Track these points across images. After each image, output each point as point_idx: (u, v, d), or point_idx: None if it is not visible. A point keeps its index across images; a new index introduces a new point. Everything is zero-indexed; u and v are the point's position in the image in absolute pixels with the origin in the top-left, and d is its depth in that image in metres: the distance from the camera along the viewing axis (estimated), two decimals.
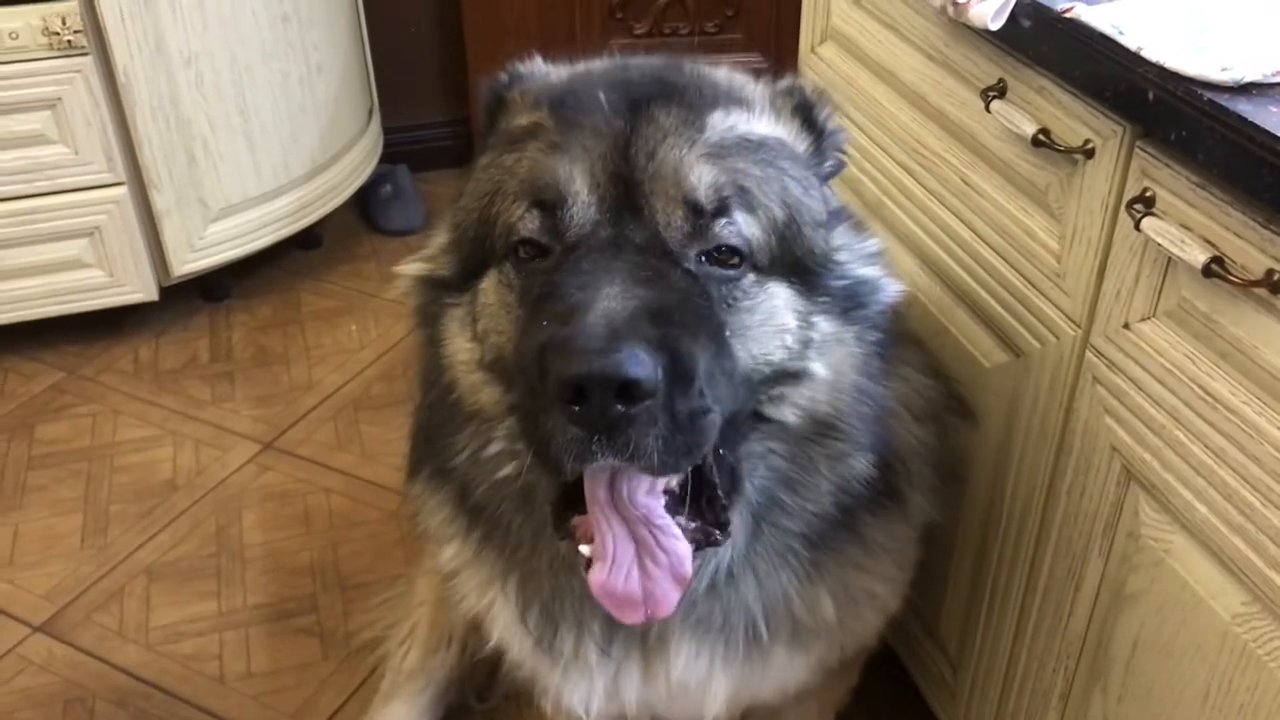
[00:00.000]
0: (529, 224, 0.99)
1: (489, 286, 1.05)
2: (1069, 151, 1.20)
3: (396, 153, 3.39)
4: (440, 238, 1.16)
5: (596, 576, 1.00)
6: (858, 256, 1.11)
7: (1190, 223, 1.05)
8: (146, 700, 1.95)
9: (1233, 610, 1.09)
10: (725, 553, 1.12)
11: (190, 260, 2.77)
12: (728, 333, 0.98)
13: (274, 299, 3.00)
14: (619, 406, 0.87)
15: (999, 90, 1.30)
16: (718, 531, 1.05)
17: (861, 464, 1.13)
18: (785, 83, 1.15)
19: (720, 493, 1.05)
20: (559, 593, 1.20)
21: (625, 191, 0.97)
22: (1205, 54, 1.01)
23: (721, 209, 0.98)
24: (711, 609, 1.18)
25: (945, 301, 1.50)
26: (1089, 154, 1.18)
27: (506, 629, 1.27)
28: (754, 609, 1.19)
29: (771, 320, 1.01)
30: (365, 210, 3.30)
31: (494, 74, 1.21)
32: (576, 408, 0.87)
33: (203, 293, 2.96)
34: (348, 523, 2.31)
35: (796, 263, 1.04)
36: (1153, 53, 1.03)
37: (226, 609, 2.12)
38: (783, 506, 1.12)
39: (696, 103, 1.04)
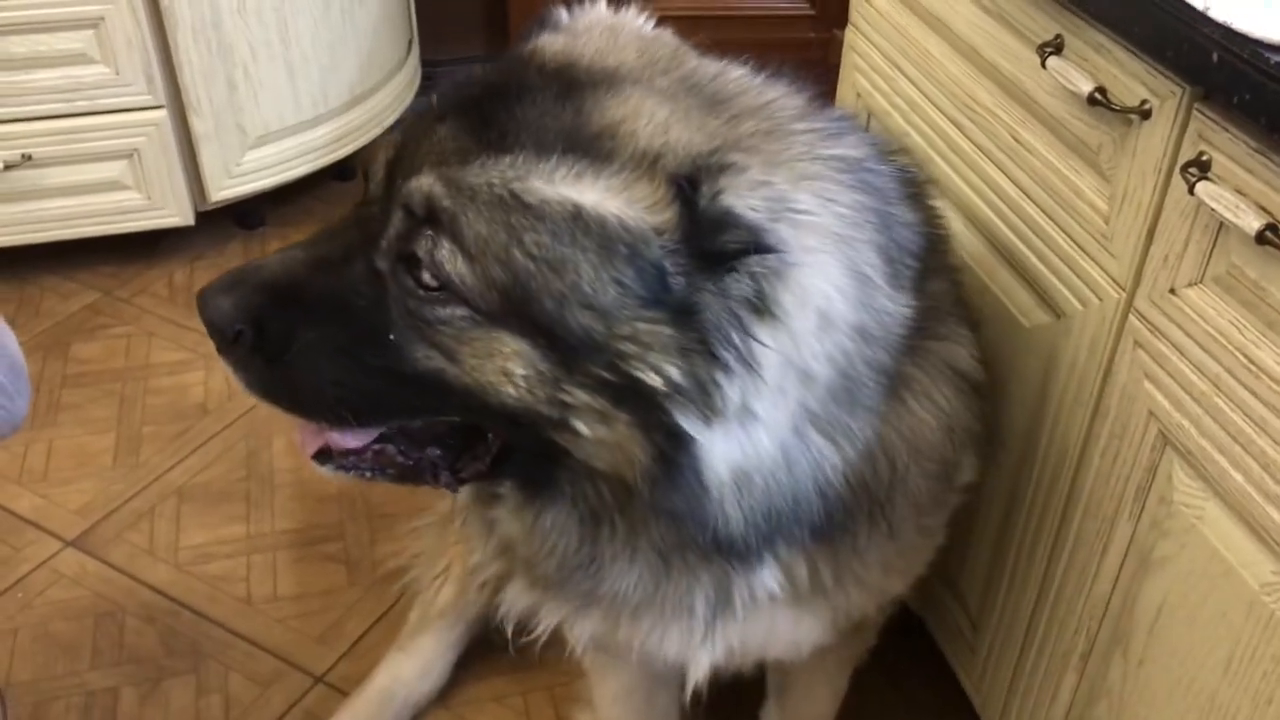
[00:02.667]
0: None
1: None
2: (1125, 111, 1.18)
3: (434, 87, 3.37)
4: None
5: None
6: (649, 367, 0.97)
7: (1246, 188, 1.04)
8: (174, 618, 1.99)
9: (1262, 579, 1.09)
10: (559, 541, 1.13)
11: (227, 186, 2.78)
12: (393, 335, 1.02)
13: (308, 228, 2.98)
14: (210, 335, 1.05)
15: (1056, 46, 1.28)
16: (449, 481, 1.15)
17: (701, 535, 1.07)
18: (682, 144, 0.99)
19: (464, 465, 1.14)
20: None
21: (392, 187, 1.04)
22: (1275, 14, 0.99)
23: (430, 218, 0.97)
24: (606, 586, 1.16)
25: (988, 259, 1.49)
26: (1145, 115, 1.16)
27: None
28: (688, 590, 1.17)
29: (490, 359, 0.99)
30: None
31: (544, 9, 1.20)
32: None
33: (237, 220, 2.97)
34: None
35: (541, 328, 0.97)
36: (1219, 12, 1.01)
37: (255, 533, 2.15)
38: (617, 526, 1.10)
39: (494, 139, 0.98)
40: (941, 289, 1.24)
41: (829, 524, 1.13)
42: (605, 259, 0.95)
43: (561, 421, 1.01)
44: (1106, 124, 1.23)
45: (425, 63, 3.33)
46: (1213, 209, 1.06)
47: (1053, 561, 1.44)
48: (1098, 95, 1.20)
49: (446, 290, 0.98)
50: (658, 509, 1.05)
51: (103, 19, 2.46)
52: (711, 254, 0.95)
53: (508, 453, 1.11)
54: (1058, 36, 1.29)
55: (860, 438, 1.10)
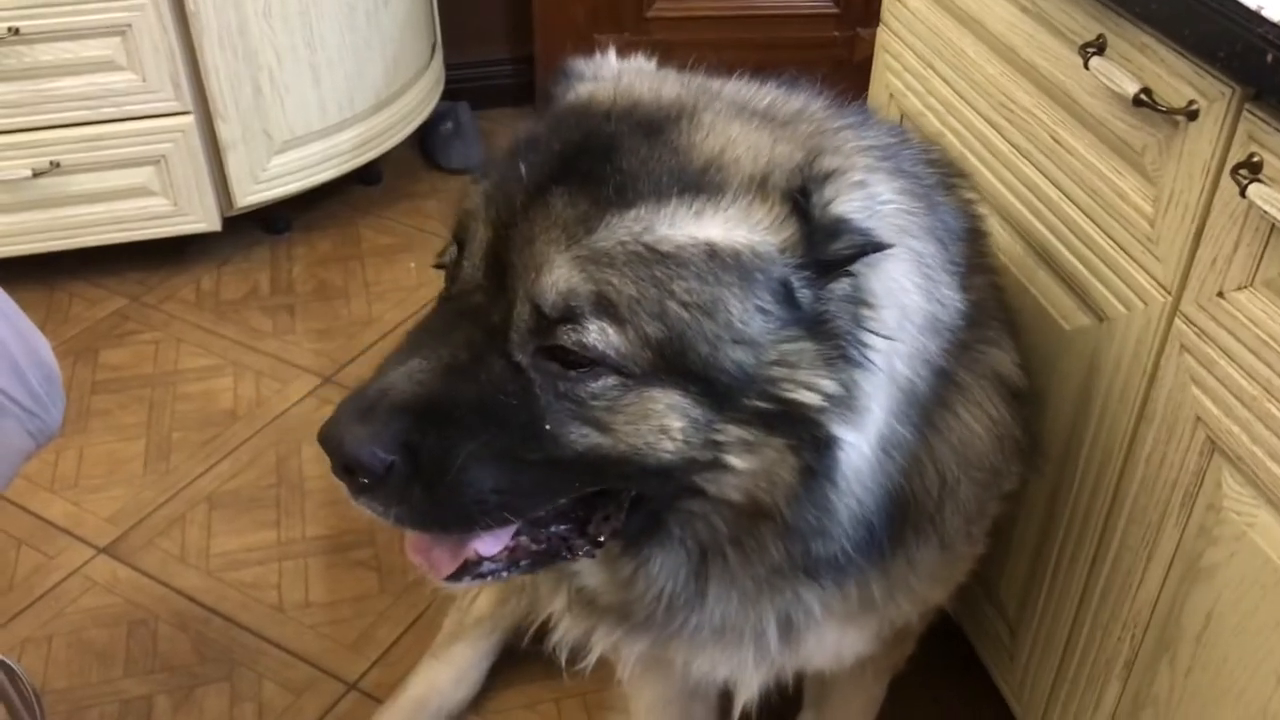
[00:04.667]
0: (450, 254, 1.03)
1: None
2: (1171, 113, 1.16)
3: (458, 89, 3.36)
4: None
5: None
6: (802, 385, 0.98)
7: None
8: (206, 625, 1.99)
9: None
10: (667, 584, 1.12)
11: (253, 192, 2.78)
12: (548, 425, 0.97)
13: (334, 233, 3.01)
14: (347, 475, 0.96)
15: (1098, 47, 1.26)
16: (587, 547, 1.09)
17: (821, 548, 1.07)
18: (783, 159, 1.01)
19: (600, 529, 1.08)
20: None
21: (501, 269, 0.98)
22: None
23: (568, 316, 0.94)
24: (697, 620, 1.15)
25: (1027, 261, 1.47)
26: (1192, 116, 1.14)
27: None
28: (764, 614, 1.17)
29: (646, 421, 0.97)
30: (426, 147, 3.29)
31: (563, 62, 1.18)
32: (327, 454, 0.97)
33: (263, 225, 2.97)
34: None
35: (694, 375, 0.96)
36: (1274, 12, 0.99)
37: (285, 539, 2.15)
38: (728, 558, 1.10)
39: (612, 196, 0.96)
40: (984, 285, 1.23)
41: (886, 538, 1.11)
42: (747, 289, 0.95)
43: (713, 461, 1.00)
44: (1152, 125, 1.21)
45: (449, 65, 3.33)
46: (1265, 211, 1.04)
47: (1095, 568, 1.42)
48: (1143, 96, 1.18)
49: (599, 364, 0.95)
50: (790, 528, 1.04)
51: (130, 26, 2.46)
52: (827, 262, 0.96)
53: (637, 504, 1.07)
54: (1100, 36, 1.27)
55: (907, 449, 1.09)
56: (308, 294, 2.80)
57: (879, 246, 0.96)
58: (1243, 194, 1.06)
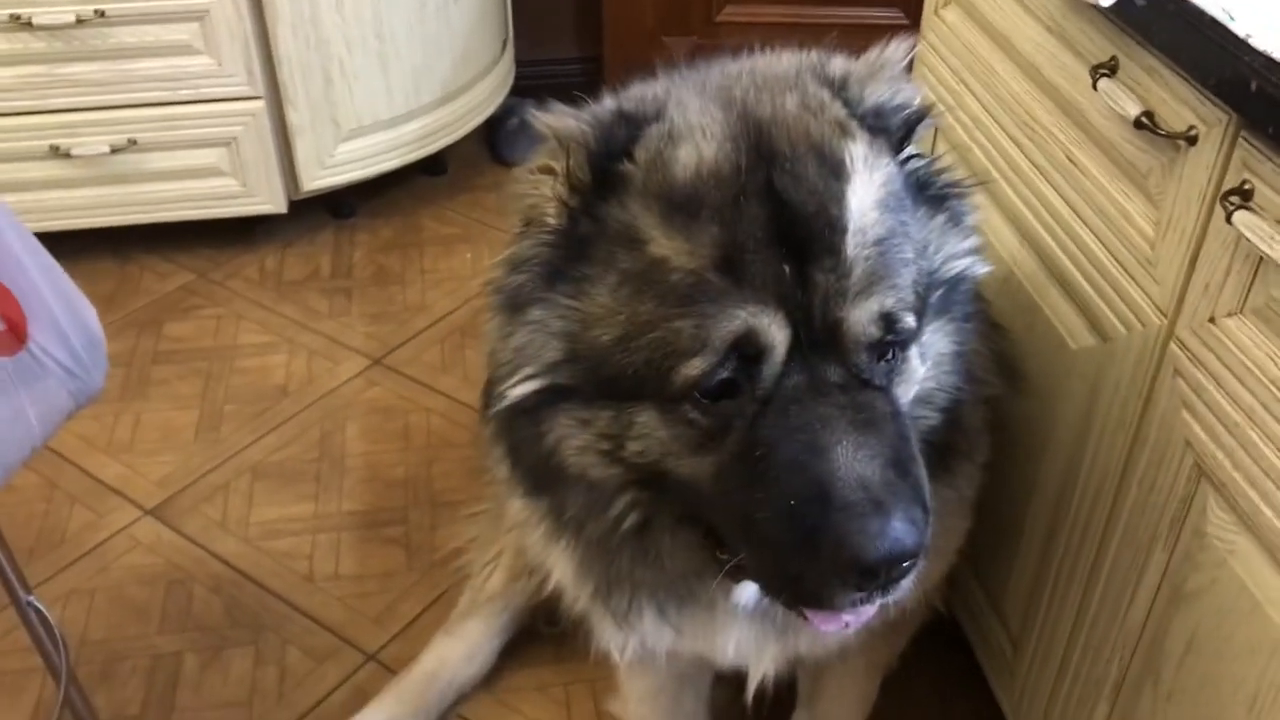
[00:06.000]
0: (724, 373, 1.00)
1: (651, 420, 1.05)
2: (1171, 137, 1.17)
3: (527, 86, 3.42)
4: (549, 351, 1.07)
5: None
6: (954, 256, 1.13)
7: None
8: (239, 589, 2.07)
9: None
10: None
11: (319, 177, 2.87)
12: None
13: (396, 221, 3.09)
14: (899, 568, 0.98)
15: (1110, 68, 1.27)
16: None
17: (932, 418, 1.18)
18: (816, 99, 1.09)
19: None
20: (619, 568, 1.22)
21: (809, 342, 1.00)
22: None
23: (889, 332, 1.02)
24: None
25: (1040, 278, 1.48)
26: (1191, 140, 1.15)
27: (564, 579, 1.32)
28: None
29: (916, 373, 1.10)
30: (491, 141, 3.36)
31: (579, 118, 1.14)
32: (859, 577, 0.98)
33: (329, 209, 3.07)
34: (444, 442, 2.39)
35: (919, 307, 1.07)
36: (1260, 41, 0.99)
37: (322, 512, 2.23)
38: None
39: (827, 234, 0.99)
40: None
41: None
42: (908, 208, 1.08)
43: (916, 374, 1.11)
44: (1156, 149, 1.22)
45: (519, 62, 3.39)
46: (1248, 239, 1.04)
47: (1090, 587, 1.42)
48: (1144, 119, 1.19)
49: (905, 345, 1.07)
50: (948, 410, 1.19)
51: (208, 12, 2.57)
52: (894, 140, 1.11)
53: None
54: (1113, 58, 1.27)
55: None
56: (366, 278, 2.88)
57: (923, 112, 1.13)
58: (1228, 220, 1.06)
